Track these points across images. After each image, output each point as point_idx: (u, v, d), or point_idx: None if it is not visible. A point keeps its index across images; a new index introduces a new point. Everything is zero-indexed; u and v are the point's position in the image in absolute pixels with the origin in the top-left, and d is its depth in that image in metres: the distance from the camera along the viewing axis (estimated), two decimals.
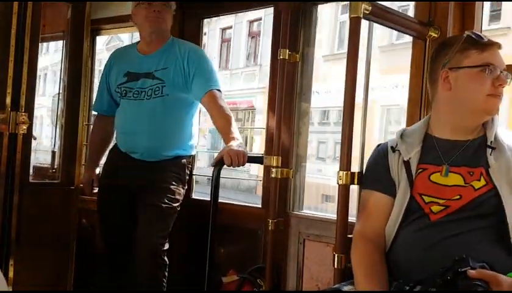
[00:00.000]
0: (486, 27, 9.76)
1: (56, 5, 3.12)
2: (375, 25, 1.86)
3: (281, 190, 2.40)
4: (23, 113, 2.56)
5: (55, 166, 3.21)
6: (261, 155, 2.50)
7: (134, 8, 2.66)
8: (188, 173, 2.70)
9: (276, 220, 2.29)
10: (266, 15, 15.99)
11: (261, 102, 16.78)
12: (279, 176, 2.32)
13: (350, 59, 1.70)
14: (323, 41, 15.21)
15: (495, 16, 11.12)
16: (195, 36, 3.04)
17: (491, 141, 1.62)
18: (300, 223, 2.54)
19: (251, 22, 18.23)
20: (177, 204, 2.55)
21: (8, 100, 2.54)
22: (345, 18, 14.38)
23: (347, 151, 1.70)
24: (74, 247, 2.98)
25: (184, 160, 2.64)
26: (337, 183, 1.72)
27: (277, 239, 2.36)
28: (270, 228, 2.28)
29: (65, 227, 2.94)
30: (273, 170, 2.30)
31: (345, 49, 1.71)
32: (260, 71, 17.70)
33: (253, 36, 18.54)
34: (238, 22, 18.22)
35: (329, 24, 15.60)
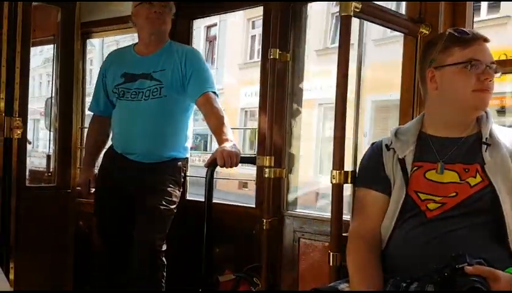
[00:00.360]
0: (484, 17, 9.76)
1: (46, 8, 3.10)
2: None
3: (274, 190, 2.39)
4: (17, 118, 2.57)
5: (51, 170, 3.21)
6: (253, 155, 2.50)
7: (134, 8, 2.65)
8: (183, 175, 2.70)
9: (271, 219, 2.29)
10: (221, 20, 16.17)
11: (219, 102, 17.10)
12: (272, 176, 2.31)
13: (342, 57, 1.69)
14: None
15: (495, 5, 11.01)
16: (185, 36, 3.05)
17: (486, 138, 1.60)
18: (294, 222, 2.55)
19: (208, 27, 18.50)
20: (174, 206, 2.56)
21: (1, 105, 2.53)
22: None
23: (339, 150, 1.69)
24: (72, 249, 2.99)
25: (180, 163, 2.64)
26: (331, 182, 1.71)
27: (271, 238, 2.36)
28: (265, 227, 2.27)
29: (62, 230, 2.96)
30: (266, 170, 2.29)
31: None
32: (217, 74, 18.04)
33: (210, 40, 18.88)
34: (196, 28, 18.35)
35: None
